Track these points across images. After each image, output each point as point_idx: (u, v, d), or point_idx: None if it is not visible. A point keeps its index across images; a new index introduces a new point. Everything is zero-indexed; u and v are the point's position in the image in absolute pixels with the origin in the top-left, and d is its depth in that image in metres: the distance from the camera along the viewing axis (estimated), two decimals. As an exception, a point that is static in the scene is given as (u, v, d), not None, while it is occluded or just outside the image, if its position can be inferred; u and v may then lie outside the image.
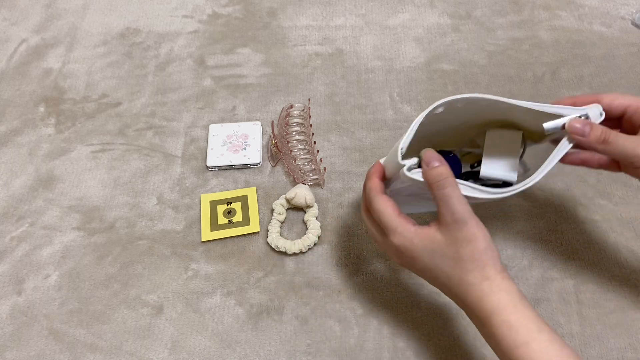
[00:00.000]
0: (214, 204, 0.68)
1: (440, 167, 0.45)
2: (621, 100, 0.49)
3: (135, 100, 0.80)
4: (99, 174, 0.72)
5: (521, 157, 0.52)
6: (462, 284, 0.45)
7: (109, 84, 0.82)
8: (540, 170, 0.47)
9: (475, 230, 0.45)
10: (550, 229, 0.65)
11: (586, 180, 0.68)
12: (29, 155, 0.74)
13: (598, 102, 0.49)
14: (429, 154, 0.46)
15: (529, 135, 0.53)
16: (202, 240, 0.65)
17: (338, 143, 0.74)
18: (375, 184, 0.50)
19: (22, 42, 0.89)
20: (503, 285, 0.44)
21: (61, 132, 0.77)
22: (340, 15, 0.89)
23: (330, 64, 0.83)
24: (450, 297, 0.48)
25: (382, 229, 0.49)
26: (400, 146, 0.47)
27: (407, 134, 0.47)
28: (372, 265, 0.62)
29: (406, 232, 0.47)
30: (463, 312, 0.58)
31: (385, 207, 0.48)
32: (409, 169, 0.46)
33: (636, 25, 0.86)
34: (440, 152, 0.48)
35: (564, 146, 0.47)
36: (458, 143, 0.57)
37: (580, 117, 0.47)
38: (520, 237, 0.64)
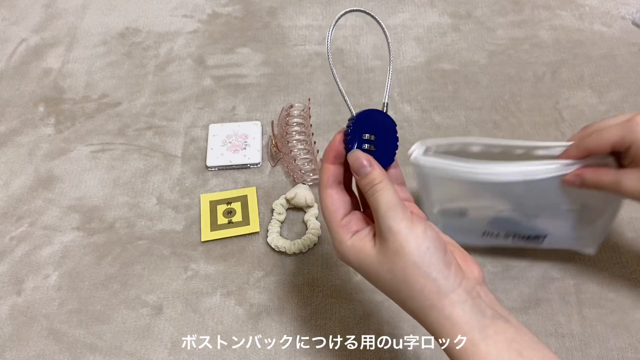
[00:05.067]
0: (213, 204, 0.68)
1: (371, 172, 0.39)
2: (607, 137, 0.45)
3: (135, 100, 0.80)
4: (98, 174, 0.72)
5: None
6: (408, 310, 0.38)
7: (108, 84, 0.82)
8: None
9: (406, 240, 0.36)
10: (551, 228, 0.65)
11: (586, 180, 0.68)
12: (28, 155, 0.74)
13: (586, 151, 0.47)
14: (355, 157, 0.39)
15: None
16: (202, 240, 0.65)
17: (338, 143, 0.74)
18: (328, 172, 0.40)
19: (21, 42, 0.89)
20: (450, 311, 0.36)
21: (61, 132, 0.77)
22: (340, 15, 0.89)
23: (330, 63, 0.83)
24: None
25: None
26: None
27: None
28: (372, 265, 0.62)
29: (342, 245, 0.39)
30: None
31: (328, 207, 0.40)
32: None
33: (636, 25, 0.85)
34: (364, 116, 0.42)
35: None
36: None
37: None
38: (521, 237, 0.64)
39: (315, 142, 0.72)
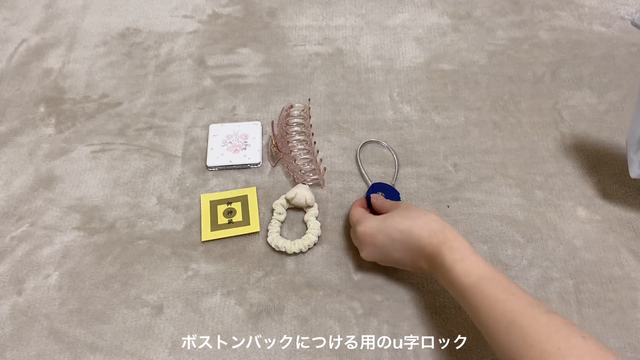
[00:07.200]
0: (214, 204, 0.68)
1: (380, 198, 0.63)
2: None
3: (135, 100, 0.80)
4: (99, 174, 0.72)
5: None
6: (414, 238, 0.54)
7: (109, 84, 0.82)
8: None
9: (402, 204, 0.59)
10: (550, 228, 0.65)
11: (586, 180, 0.68)
12: (29, 155, 0.74)
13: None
14: (373, 196, 0.64)
15: None
16: (202, 240, 0.65)
17: (338, 143, 0.74)
18: (356, 205, 0.64)
19: (22, 42, 0.89)
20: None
21: (61, 132, 0.77)
22: (340, 15, 0.89)
23: (330, 64, 0.83)
24: (408, 265, 0.57)
25: (353, 226, 0.61)
26: None
27: None
28: (371, 265, 0.62)
29: (368, 219, 0.58)
30: (463, 312, 0.58)
31: (356, 210, 0.62)
32: None
33: (636, 25, 0.86)
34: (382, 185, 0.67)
35: None
36: None
37: None
38: (520, 237, 0.64)
39: (315, 142, 0.73)
